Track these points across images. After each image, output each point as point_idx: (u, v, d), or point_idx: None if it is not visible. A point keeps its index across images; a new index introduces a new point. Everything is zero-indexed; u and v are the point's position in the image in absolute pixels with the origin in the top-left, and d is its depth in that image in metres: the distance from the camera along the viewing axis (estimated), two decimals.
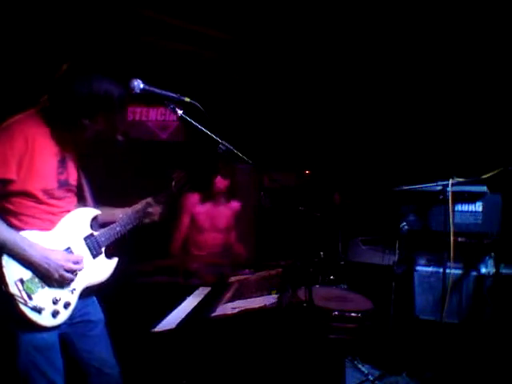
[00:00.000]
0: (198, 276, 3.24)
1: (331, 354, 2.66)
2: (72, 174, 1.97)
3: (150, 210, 2.16)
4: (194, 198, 3.69)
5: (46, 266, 1.75)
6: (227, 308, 2.22)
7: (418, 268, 3.23)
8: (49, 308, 1.78)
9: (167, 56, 4.62)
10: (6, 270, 1.70)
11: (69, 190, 1.96)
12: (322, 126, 4.97)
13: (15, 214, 1.79)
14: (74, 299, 1.88)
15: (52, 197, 1.86)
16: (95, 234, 2.01)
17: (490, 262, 3.05)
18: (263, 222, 4.11)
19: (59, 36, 3.93)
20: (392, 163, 4.45)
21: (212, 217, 3.71)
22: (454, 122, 4.21)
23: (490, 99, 4.06)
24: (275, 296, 2.21)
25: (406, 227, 3.18)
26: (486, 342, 2.92)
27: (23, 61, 3.85)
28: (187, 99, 1.86)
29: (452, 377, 2.96)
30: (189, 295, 2.61)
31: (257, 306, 2.13)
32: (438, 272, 3.12)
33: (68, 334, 1.96)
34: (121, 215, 2.11)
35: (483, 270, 3.07)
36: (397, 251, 3.20)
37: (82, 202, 2.05)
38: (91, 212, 2.04)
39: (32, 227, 1.80)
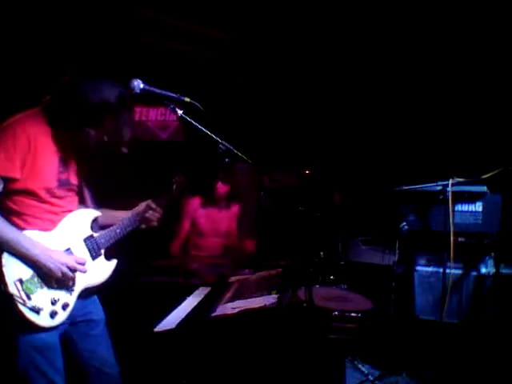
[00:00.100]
0: (198, 276, 3.24)
1: (331, 353, 2.66)
2: (73, 174, 1.97)
3: (149, 213, 2.12)
4: (195, 203, 3.70)
5: (49, 264, 1.76)
6: (227, 308, 2.21)
7: (418, 268, 3.23)
8: (47, 308, 1.78)
9: (167, 56, 4.62)
10: (5, 270, 1.70)
11: (70, 190, 1.96)
12: (321, 126, 4.97)
13: (18, 214, 1.79)
14: (72, 300, 1.88)
15: (54, 196, 1.86)
16: (95, 235, 2.01)
17: (490, 262, 3.05)
18: (263, 222, 4.11)
19: (60, 36, 3.93)
20: (392, 163, 4.45)
21: (213, 221, 3.73)
22: (454, 122, 4.21)
23: (490, 99, 4.05)
24: (275, 296, 2.21)
25: (406, 227, 3.18)
26: (486, 342, 2.92)
27: (23, 61, 3.85)
28: (187, 99, 1.86)
29: (452, 377, 2.96)
30: (189, 295, 2.60)
31: (257, 306, 2.13)
32: (438, 272, 3.12)
33: (70, 333, 1.96)
34: (121, 217, 2.10)
35: (483, 270, 3.07)
36: (397, 251, 3.20)
37: (82, 202, 2.06)
38: (92, 213, 2.04)
39: (33, 227, 1.80)
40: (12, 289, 1.69)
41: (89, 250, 1.97)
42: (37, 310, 1.73)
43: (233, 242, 3.81)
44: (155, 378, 2.40)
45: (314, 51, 4.50)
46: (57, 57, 3.72)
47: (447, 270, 2.97)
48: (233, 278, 2.79)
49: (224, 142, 1.92)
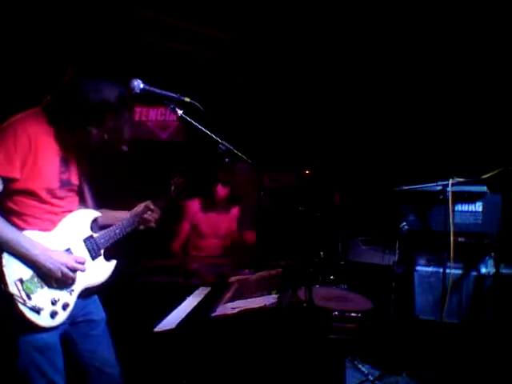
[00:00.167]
0: (198, 276, 3.24)
1: (331, 353, 2.66)
2: (74, 174, 1.97)
3: (148, 214, 2.13)
4: (195, 205, 3.71)
5: (49, 264, 1.76)
6: (227, 308, 2.21)
7: (418, 268, 3.23)
8: (47, 308, 1.78)
9: (167, 56, 4.62)
10: (5, 269, 1.70)
11: (70, 190, 1.96)
12: (321, 126, 4.97)
13: (18, 214, 1.79)
14: (72, 300, 1.88)
15: (54, 196, 1.86)
16: (95, 235, 2.01)
17: (490, 262, 3.05)
18: (263, 222, 4.11)
19: (60, 35, 3.93)
20: (392, 163, 4.45)
21: (213, 224, 3.73)
22: (454, 122, 4.21)
23: (490, 99, 4.06)
24: (275, 296, 2.21)
25: (406, 227, 3.18)
26: (486, 342, 2.92)
27: (23, 61, 3.85)
28: (187, 99, 1.86)
29: (452, 377, 2.96)
30: (189, 295, 2.60)
31: (257, 306, 2.13)
32: (438, 272, 3.12)
33: (70, 333, 1.96)
34: (121, 218, 2.10)
35: (483, 270, 3.07)
36: (397, 251, 3.20)
37: (82, 203, 2.05)
38: (91, 214, 2.04)
39: (33, 227, 1.80)
40: (12, 288, 1.69)
41: (88, 251, 1.97)
42: (37, 310, 1.73)
43: (233, 239, 3.82)
44: (155, 378, 2.40)
45: (313, 51, 4.50)
46: (57, 57, 3.72)
47: (447, 270, 2.97)
48: (233, 278, 2.79)
49: (224, 142, 1.93)
